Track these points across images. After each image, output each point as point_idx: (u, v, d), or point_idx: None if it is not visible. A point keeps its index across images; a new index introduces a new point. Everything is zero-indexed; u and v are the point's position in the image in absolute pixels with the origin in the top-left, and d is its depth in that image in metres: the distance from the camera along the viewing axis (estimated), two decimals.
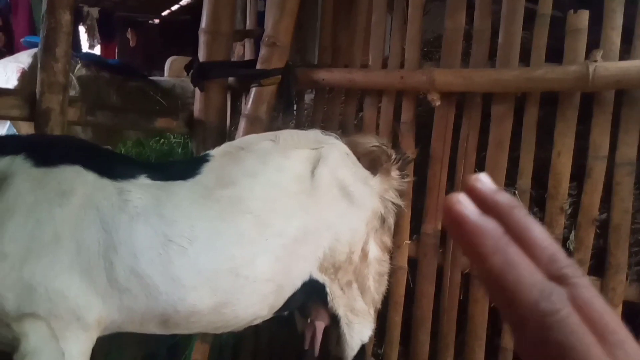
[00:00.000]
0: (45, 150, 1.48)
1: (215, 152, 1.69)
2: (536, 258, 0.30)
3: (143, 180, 1.49)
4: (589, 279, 0.30)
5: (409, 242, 2.16)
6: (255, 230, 1.51)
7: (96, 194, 1.42)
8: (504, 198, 0.32)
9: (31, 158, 1.42)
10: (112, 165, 1.51)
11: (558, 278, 0.30)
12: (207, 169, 1.59)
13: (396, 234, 2.10)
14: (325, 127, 2.32)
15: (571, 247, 1.89)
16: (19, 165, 1.41)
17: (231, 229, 1.49)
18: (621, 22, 1.75)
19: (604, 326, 0.29)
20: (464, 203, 0.31)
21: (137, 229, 1.41)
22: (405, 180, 1.87)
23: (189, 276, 1.42)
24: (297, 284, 1.61)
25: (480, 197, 0.32)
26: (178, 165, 1.72)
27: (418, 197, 2.13)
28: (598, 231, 1.86)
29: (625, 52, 1.78)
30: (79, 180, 1.43)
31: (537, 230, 0.31)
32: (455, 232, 0.31)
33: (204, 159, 1.64)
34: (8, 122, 3.68)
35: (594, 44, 1.80)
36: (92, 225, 1.39)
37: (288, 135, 1.74)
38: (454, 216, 0.31)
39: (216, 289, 1.46)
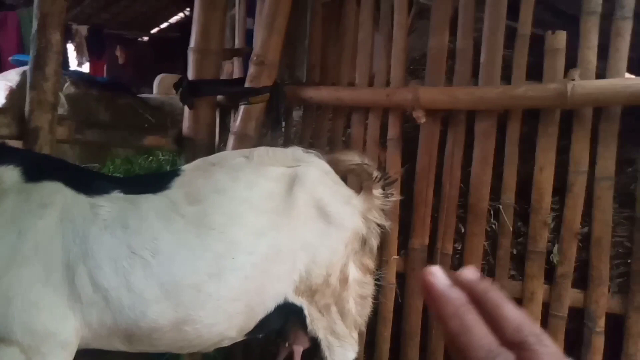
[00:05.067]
0: (35, 167, 1.52)
1: (188, 167, 1.70)
2: (503, 327, 0.34)
3: (116, 195, 1.52)
4: (556, 348, 0.33)
5: (397, 257, 2.18)
6: (221, 246, 1.49)
7: (72, 208, 1.45)
8: (480, 284, 0.37)
9: (24, 173, 1.46)
10: (88, 182, 1.54)
11: (520, 344, 0.33)
12: (177, 184, 1.59)
13: (384, 249, 2.12)
14: (313, 143, 2.35)
15: (555, 261, 1.92)
16: (13, 178, 1.45)
17: (195, 244, 1.47)
18: (597, 41, 1.81)
19: None
20: (435, 274, 0.36)
21: (104, 241, 1.42)
22: (390, 199, 1.82)
23: (151, 289, 1.42)
24: (269, 306, 1.56)
25: (462, 284, 0.37)
26: (150, 179, 1.74)
27: (405, 212, 2.16)
28: (580, 244, 1.90)
29: (602, 69, 1.84)
30: (58, 195, 1.46)
31: (509, 307, 0.35)
32: (426, 298, 0.36)
33: (176, 173, 1.65)
34: None
35: (573, 59, 1.86)
36: (66, 238, 1.41)
37: (263, 152, 1.70)
38: (424, 284, 0.36)
39: (177, 304, 1.44)
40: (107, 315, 1.41)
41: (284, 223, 1.56)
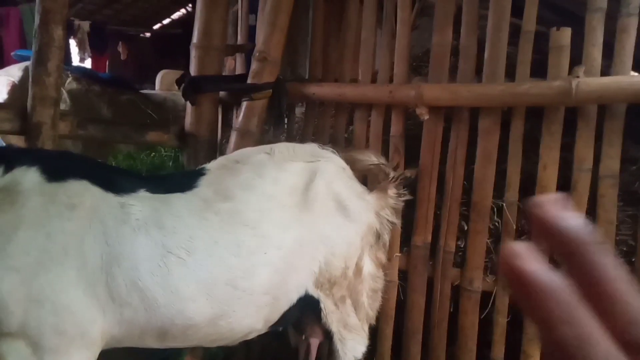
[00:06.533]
0: (56, 165, 1.50)
1: (211, 166, 1.71)
2: (610, 316, 0.25)
3: (143, 194, 1.51)
4: None
5: (399, 254, 2.18)
6: (253, 242, 1.52)
7: (101, 208, 1.43)
8: (575, 230, 0.26)
9: (45, 173, 1.43)
10: (114, 179, 1.53)
11: (634, 347, 0.25)
12: (204, 182, 1.60)
13: None
14: (316, 140, 2.34)
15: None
16: (33, 179, 1.41)
17: (229, 241, 1.50)
18: (602, 39, 1.80)
19: None
20: (525, 257, 0.26)
21: (139, 241, 1.42)
22: (402, 198, 1.87)
23: (187, 288, 1.43)
24: (293, 298, 1.61)
25: (545, 227, 0.27)
26: (175, 179, 1.74)
27: (408, 209, 2.15)
28: None
29: (607, 67, 1.83)
30: (86, 195, 1.44)
31: (617, 280, 0.25)
32: (519, 293, 0.26)
33: (201, 172, 1.66)
34: None
35: (577, 58, 1.84)
36: (97, 239, 1.40)
37: (284, 148, 1.75)
38: (515, 275, 0.26)
39: (213, 301, 1.46)
40: (140, 315, 1.41)
41: (305, 216, 1.60)
